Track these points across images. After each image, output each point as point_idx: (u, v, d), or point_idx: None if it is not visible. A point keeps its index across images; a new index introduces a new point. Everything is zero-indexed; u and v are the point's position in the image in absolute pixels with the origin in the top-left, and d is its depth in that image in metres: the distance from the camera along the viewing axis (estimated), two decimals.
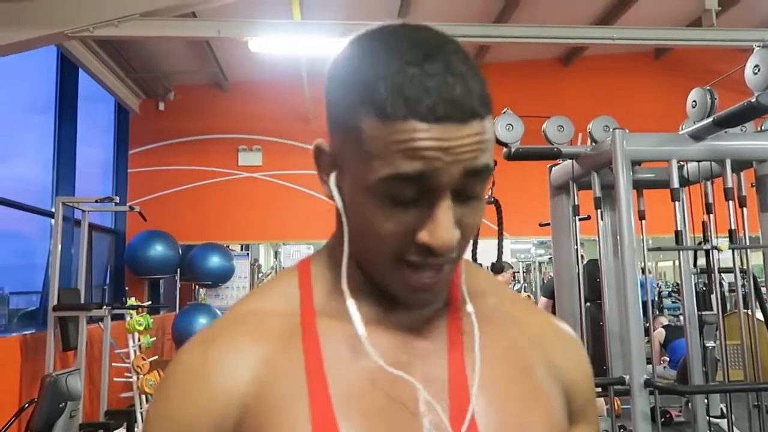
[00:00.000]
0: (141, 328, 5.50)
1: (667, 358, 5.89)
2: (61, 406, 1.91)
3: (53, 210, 5.01)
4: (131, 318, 5.52)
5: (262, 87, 7.38)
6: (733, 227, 2.32)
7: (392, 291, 0.57)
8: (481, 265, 2.81)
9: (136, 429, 5.18)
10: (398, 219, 0.53)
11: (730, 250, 2.43)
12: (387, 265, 0.55)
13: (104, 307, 4.85)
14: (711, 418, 2.82)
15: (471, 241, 0.57)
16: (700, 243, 2.43)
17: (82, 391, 2.02)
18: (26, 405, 2.73)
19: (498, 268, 2.88)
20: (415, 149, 0.51)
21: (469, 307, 0.60)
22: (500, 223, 2.59)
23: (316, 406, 0.53)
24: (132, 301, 5.65)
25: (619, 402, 2.83)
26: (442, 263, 0.54)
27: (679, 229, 2.28)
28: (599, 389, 2.75)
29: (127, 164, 7.29)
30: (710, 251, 2.29)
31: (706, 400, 4.48)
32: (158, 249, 6.49)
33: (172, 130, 7.35)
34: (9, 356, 4.50)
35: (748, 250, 2.51)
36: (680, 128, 2.46)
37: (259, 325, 0.58)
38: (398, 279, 0.56)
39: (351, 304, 0.56)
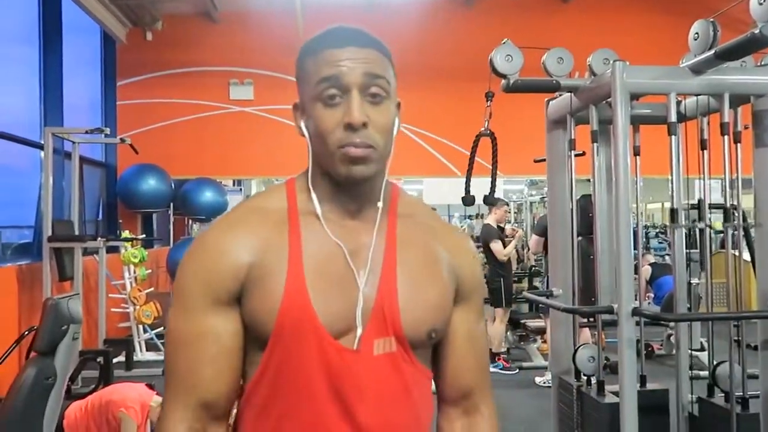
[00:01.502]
0: (136, 261, 5.56)
1: (652, 294, 6.06)
2: (63, 328, 1.95)
3: (42, 142, 4.94)
4: (126, 250, 5.56)
5: (254, 17, 7.16)
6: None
7: (339, 173, 0.86)
8: (474, 197, 2.83)
9: (134, 357, 5.32)
10: (332, 115, 0.84)
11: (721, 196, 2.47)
12: (333, 152, 0.85)
13: (99, 238, 4.88)
14: (692, 351, 2.93)
15: (386, 144, 0.87)
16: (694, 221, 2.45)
17: (82, 315, 2.06)
18: (26, 332, 2.77)
19: (490, 201, 2.89)
20: (331, 62, 0.84)
21: (399, 223, 0.93)
22: (494, 156, 2.59)
23: (292, 270, 0.85)
24: (126, 234, 5.67)
25: (603, 335, 2.91)
26: (364, 143, 0.83)
27: (673, 161, 2.30)
28: (589, 319, 2.84)
29: (116, 96, 7.15)
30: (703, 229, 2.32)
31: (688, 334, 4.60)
32: (151, 183, 6.47)
33: (161, 61, 7.17)
34: (6, 285, 4.56)
35: (740, 191, 2.54)
36: (681, 62, 2.43)
37: (261, 216, 0.90)
38: (341, 158, 0.85)
39: (314, 197, 0.90)
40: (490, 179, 2.76)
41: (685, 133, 2.70)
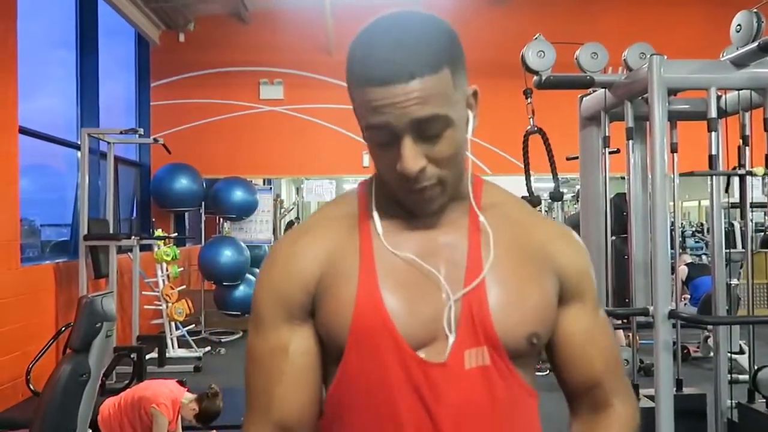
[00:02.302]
0: (169, 259, 5.64)
1: (689, 296, 5.90)
2: (97, 326, 1.99)
3: (79, 142, 5.06)
4: (159, 249, 5.65)
5: (283, 17, 7.20)
6: None
7: (405, 205, 0.80)
8: (539, 197, 2.76)
9: (166, 353, 5.41)
10: (385, 158, 0.77)
11: (763, 185, 2.37)
12: (394, 189, 0.79)
13: (133, 237, 4.97)
14: (731, 354, 2.83)
15: (456, 165, 0.78)
16: (734, 168, 2.37)
17: (116, 313, 2.09)
18: (63, 328, 2.84)
19: (557, 197, 2.84)
20: (374, 107, 0.73)
21: (481, 217, 0.82)
22: (549, 151, 2.55)
23: (363, 276, 0.78)
24: (159, 232, 5.77)
25: (637, 337, 2.84)
26: (425, 187, 0.76)
27: (713, 153, 2.21)
28: (623, 320, 2.77)
29: (149, 97, 7.27)
30: (744, 177, 2.24)
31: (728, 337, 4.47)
32: (183, 182, 6.56)
33: (193, 62, 7.27)
34: (45, 282, 4.68)
35: None
36: (721, 55, 2.35)
37: (331, 224, 0.84)
38: (403, 197, 0.79)
39: (375, 214, 0.82)
40: (551, 175, 2.73)
41: (725, 128, 2.61)
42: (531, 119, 2.56)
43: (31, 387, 3.68)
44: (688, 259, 6.69)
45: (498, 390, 0.77)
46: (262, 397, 0.82)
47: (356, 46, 0.76)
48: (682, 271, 5.93)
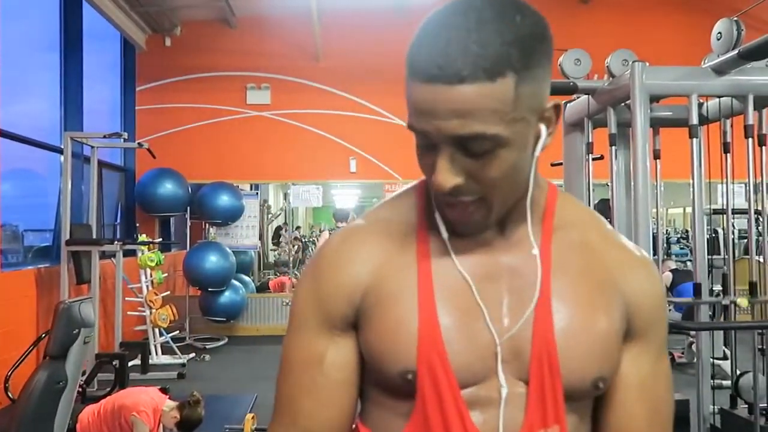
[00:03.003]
0: (153, 264, 5.58)
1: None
2: (75, 332, 1.95)
3: (62, 146, 5.00)
4: (143, 254, 5.59)
5: (271, 22, 7.19)
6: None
7: (443, 216, 0.71)
8: None
9: (149, 360, 5.35)
10: (426, 161, 0.66)
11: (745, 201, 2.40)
12: (435, 200, 0.70)
13: (116, 242, 4.91)
14: (714, 360, 2.85)
15: (508, 187, 0.66)
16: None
17: (95, 319, 2.05)
18: (43, 335, 2.79)
19: None
20: (415, 108, 0.62)
21: (535, 249, 0.72)
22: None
23: (423, 300, 0.69)
24: (143, 237, 5.71)
25: None
26: (463, 202, 0.66)
27: (694, 165, 2.23)
28: None
29: (135, 101, 7.22)
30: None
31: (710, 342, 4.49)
32: (168, 187, 6.50)
33: (180, 66, 7.23)
34: (25, 288, 4.60)
35: (765, 196, 2.46)
36: (702, 62, 2.37)
37: (385, 229, 0.74)
38: (440, 208, 0.70)
39: (438, 217, 0.72)
40: None
41: (707, 135, 2.64)
42: None
43: (10, 395, 3.62)
44: (672, 265, 6.73)
45: None
46: (290, 407, 0.75)
47: (422, 27, 0.63)
48: (667, 277, 5.96)
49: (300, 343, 0.74)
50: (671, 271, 6.21)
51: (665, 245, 8.84)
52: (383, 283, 0.71)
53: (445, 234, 0.71)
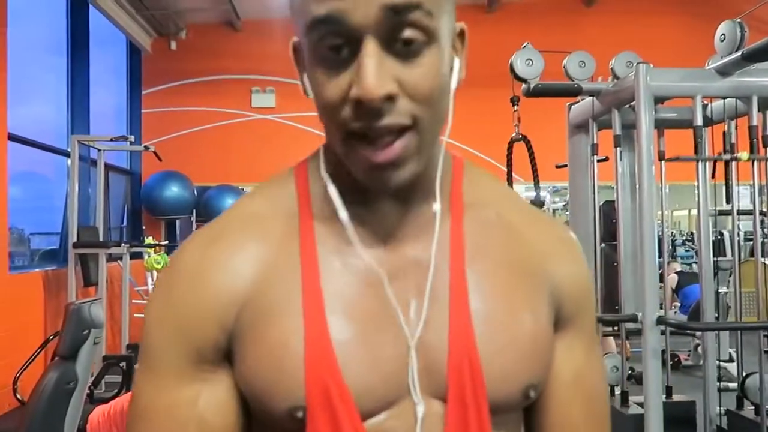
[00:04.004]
0: (159, 267, 5.61)
1: (679, 303, 5.93)
2: (84, 333, 1.97)
3: (69, 149, 5.04)
4: (149, 257, 5.62)
5: (275, 25, 7.22)
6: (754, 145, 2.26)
7: (357, 176, 0.54)
8: None
9: None
10: (336, 83, 0.51)
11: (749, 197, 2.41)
12: (343, 143, 0.53)
13: (123, 244, 4.94)
14: (720, 362, 2.85)
15: (437, 111, 0.53)
16: (719, 153, 2.39)
17: (104, 320, 2.08)
18: (51, 337, 2.82)
19: (538, 203, 2.86)
20: None
21: (465, 224, 0.60)
22: (532, 159, 2.57)
23: (309, 312, 0.54)
24: (149, 240, 5.74)
25: (628, 345, 2.85)
26: (390, 130, 0.50)
27: (699, 167, 2.24)
28: (611, 328, 2.78)
29: (141, 105, 7.26)
30: (729, 162, 2.25)
31: (716, 344, 4.49)
32: (174, 190, 6.54)
33: (185, 70, 7.26)
34: (33, 290, 4.64)
35: None
36: (706, 64, 2.38)
37: (260, 226, 0.59)
38: (355, 158, 0.53)
39: (332, 189, 0.57)
40: (526, 186, 2.74)
41: (711, 137, 2.64)
42: (516, 127, 2.59)
43: (18, 396, 3.64)
44: (678, 267, 6.72)
45: None
46: None
47: None
48: (672, 279, 5.96)
49: (159, 387, 0.56)
50: (677, 273, 6.20)
51: (670, 247, 8.82)
52: (261, 297, 0.56)
53: (342, 213, 0.56)
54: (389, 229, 0.58)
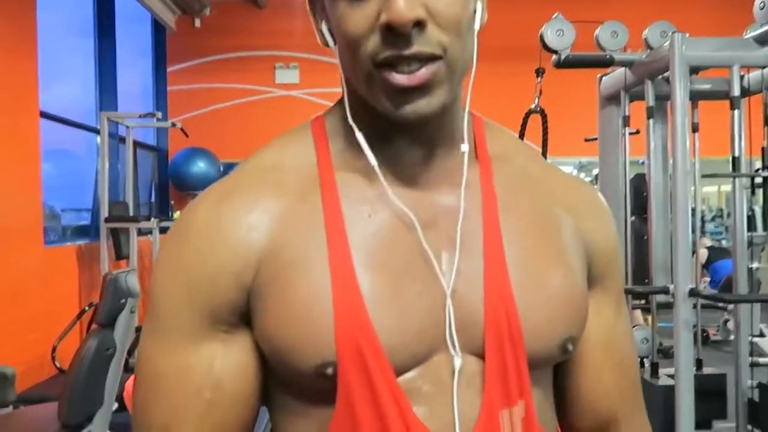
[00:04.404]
0: None
1: (708, 278, 5.88)
2: (122, 301, 2.03)
3: (98, 126, 5.13)
4: None
5: (299, 2, 7.18)
6: None
7: (384, 109, 0.52)
8: None
9: None
10: (362, 12, 0.50)
11: None
12: (368, 78, 0.51)
13: (153, 219, 5.04)
14: (752, 338, 2.81)
15: (464, 44, 0.52)
16: (758, 170, 2.36)
17: (139, 289, 2.14)
18: (86, 308, 2.89)
19: None
20: None
21: (495, 174, 0.58)
22: (545, 134, 2.53)
23: (336, 264, 0.52)
24: (178, 215, 5.84)
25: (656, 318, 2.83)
26: (416, 54, 0.49)
27: (735, 137, 2.20)
28: (642, 300, 2.77)
29: (167, 82, 7.32)
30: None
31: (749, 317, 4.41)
32: (200, 165, 6.63)
33: (209, 47, 7.29)
34: (67, 263, 4.77)
35: None
36: (745, 33, 2.32)
37: (277, 179, 0.56)
38: (382, 88, 0.51)
39: (360, 135, 0.54)
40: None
41: (747, 109, 2.58)
42: (537, 98, 2.54)
43: (57, 364, 3.77)
44: (708, 242, 6.65)
45: None
46: None
47: None
48: (703, 254, 5.90)
49: (169, 351, 0.54)
50: (707, 248, 6.14)
51: (700, 223, 8.69)
52: (282, 252, 0.53)
53: (373, 160, 0.54)
54: (415, 176, 0.56)
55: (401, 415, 0.51)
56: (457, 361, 0.52)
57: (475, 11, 0.54)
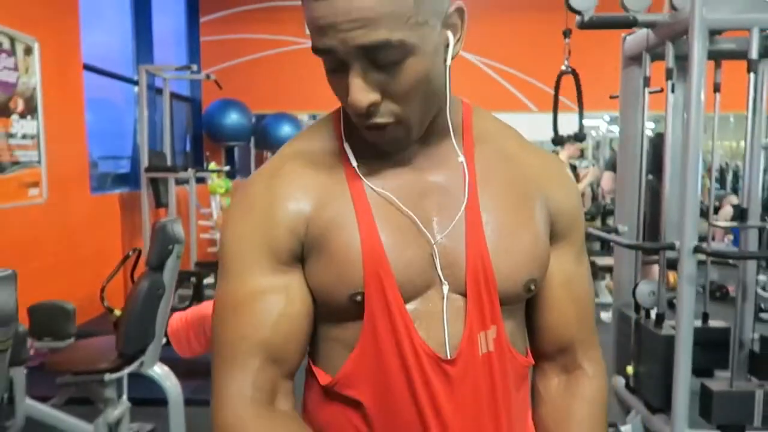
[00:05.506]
0: (222, 191, 5.95)
1: (732, 237, 5.89)
2: (170, 247, 2.24)
3: (136, 78, 5.29)
4: (212, 181, 5.95)
5: None
6: None
7: (368, 140, 0.72)
8: (563, 136, 2.86)
9: None
10: (339, 86, 0.68)
11: None
12: (354, 118, 0.70)
13: (189, 169, 5.26)
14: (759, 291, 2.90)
15: (424, 101, 0.67)
16: None
17: (184, 236, 2.35)
18: (130, 253, 3.11)
19: (581, 137, 2.92)
20: (317, 27, 0.63)
21: (476, 154, 0.76)
22: (579, 94, 2.61)
23: (363, 223, 0.70)
24: (213, 165, 6.05)
25: (675, 276, 2.94)
26: (382, 124, 0.67)
27: (750, 101, 2.25)
28: (653, 256, 2.88)
29: (199, 32, 7.41)
30: None
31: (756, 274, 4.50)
32: (233, 117, 6.77)
33: None
34: (111, 210, 5.05)
35: None
36: None
37: (310, 160, 0.75)
38: (363, 133, 0.71)
39: (347, 146, 0.74)
40: (577, 116, 2.78)
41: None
42: (566, 59, 2.61)
43: (106, 304, 4.08)
44: (735, 200, 6.61)
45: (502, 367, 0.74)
46: (252, 337, 0.69)
47: None
48: (727, 212, 5.89)
49: (248, 284, 0.70)
50: (732, 206, 6.11)
51: (732, 180, 8.58)
52: (322, 213, 0.71)
53: (352, 159, 0.73)
54: (413, 160, 0.74)
55: (407, 331, 0.70)
56: (445, 288, 0.71)
57: (446, 47, 0.68)
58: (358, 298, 0.70)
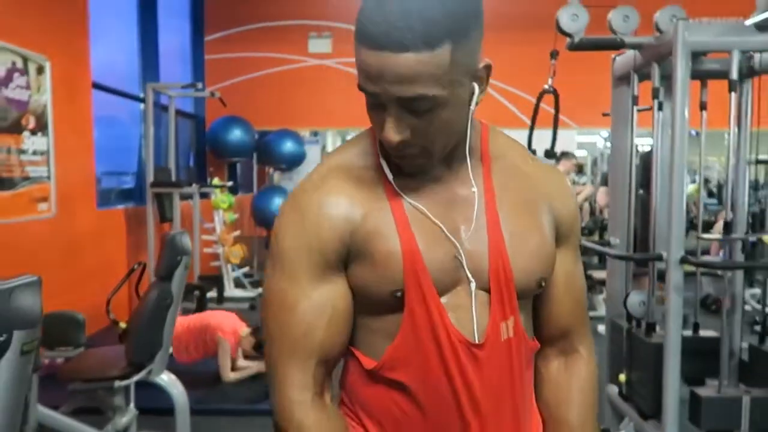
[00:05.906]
0: (225, 206, 6.05)
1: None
2: (178, 258, 2.34)
3: (143, 95, 5.42)
4: (216, 196, 6.06)
5: None
6: None
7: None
8: (534, 152, 2.97)
9: (224, 292, 5.89)
10: (377, 120, 0.78)
11: None
12: (386, 148, 0.81)
13: (193, 185, 5.36)
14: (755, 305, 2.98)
15: (446, 137, 0.79)
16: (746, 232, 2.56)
17: (191, 248, 2.44)
18: (135, 266, 3.19)
19: (550, 155, 3.04)
20: (365, 72, 0.74)
21: (494, 171, 0.89)
22: (556, 113, 2.72)
23: (402, 231, 0.82)
24: (216, 181, 6.17)
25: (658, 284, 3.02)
26: (409, 154, 0.79)
27: (734, 119, 2.36)
28: (644, 267, 2.97)
29: (204, 51, 7.57)
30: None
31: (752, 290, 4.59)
32: (236, 133, 6.90)
33: (245, 15, 7.46)
34: (116, 225, 5.16)
35: None
36: (752, 17, 2.44)
37: (354, 173, 0.85)
38: (393, 157, 0.82)
39: (383, 162, 0.85)
40: (560, 133, 2.89)
41: (758, 87, 2.71)
42: (550, 79, 2.73)
43: (111, 316, 4.16)
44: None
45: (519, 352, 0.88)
46: (305, 342, 0.82)
47: (361, 6, 0.74)
48: (722, 226, 5.95)
49: (300, 287, 0.81)
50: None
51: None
52: (366, 222, 0.81)
53: (390, 176, 0.84)
54: (442, 177, 0.86)
55: (442, 319, 0.83)
56: (473, 285, 0.84)
57: (472, 94, 0.79)
58: (399, 293, 0.82)
